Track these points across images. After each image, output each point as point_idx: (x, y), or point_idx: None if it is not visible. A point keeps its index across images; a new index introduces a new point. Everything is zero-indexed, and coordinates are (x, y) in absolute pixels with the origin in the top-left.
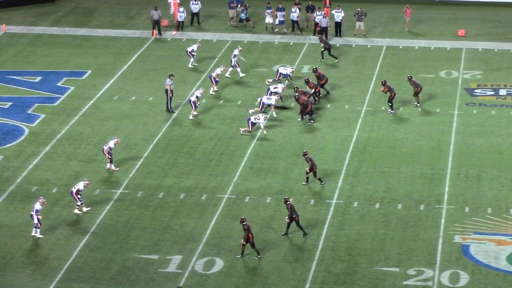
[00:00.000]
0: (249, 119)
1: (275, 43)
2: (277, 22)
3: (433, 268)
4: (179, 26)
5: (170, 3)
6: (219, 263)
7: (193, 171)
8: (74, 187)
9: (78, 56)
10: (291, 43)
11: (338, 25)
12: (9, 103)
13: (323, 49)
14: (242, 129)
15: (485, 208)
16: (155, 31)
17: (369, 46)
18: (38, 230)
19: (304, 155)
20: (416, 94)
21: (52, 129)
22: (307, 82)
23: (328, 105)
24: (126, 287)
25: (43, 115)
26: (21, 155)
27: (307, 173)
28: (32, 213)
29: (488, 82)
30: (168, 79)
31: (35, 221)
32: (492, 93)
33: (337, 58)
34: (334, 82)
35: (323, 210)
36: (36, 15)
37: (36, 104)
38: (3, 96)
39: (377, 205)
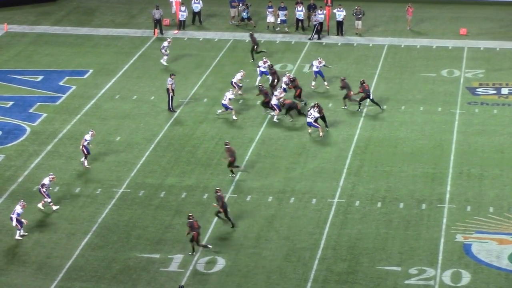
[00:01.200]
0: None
1: (277, 42)
2: (278, 21)
3: (435, 267)
4: (181, 25)
5: (171, 2)
6: (220, 262)
7: (194, 170)
8: (41, 184)
9: (80, 55)
10: (292, 42)
11: (339, 24)
12: (11, 102)
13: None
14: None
15: (487, 207)
16: (157, 30)
17: (370, 45)
18: (19, 231)
19: (225, 145)
20: (347, 96)
21: (54, 128)
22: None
23: (330, 104)
24: (127, 286)
25: (44, 114)
26: (23, 154)
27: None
28: (12, 215)
29: (490, 81)
30: (169, 78)
31: (14, 223)
32: (494, 92)
33: (264, 51)
34: (336, 81)
35: (324, 209)
36: (38, 14)
37: (38, 103)
38: (5, 95)
39: (379, 204)
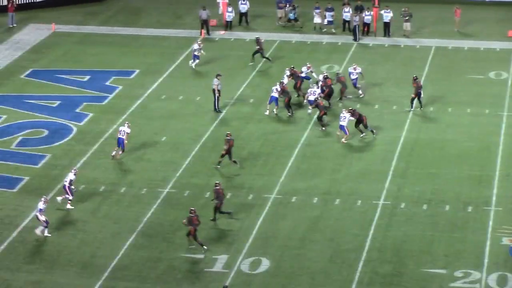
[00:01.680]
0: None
1: (323, 43)
2: (325, 22)
3: (481, 270)
4: (228, 25)
5: (218, 3)
6: (265, 263)
7: (240, 171)
8: (66, 180)
9: (126, 55)
10: (339, 43)
11: (386, 25)
12: (58, 102)
13: (256, 51)
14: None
15: None
16: (204, 31)
17: (417, 46)
18: (46, 229)
19: (226, 136)
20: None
21: (100, 128)
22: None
23: (376, 106)
24: (172, 286)
25: (91, 114)
26: (69, 153)
27: (222, 156)
28: (36, 213)
29: None
30: (216, 79)
31: (43, 218)
32: None
33: (269, 59)
34: (382, 82)
35: (370, 211)
36: (85, 14)
37: (84, 103)
38: (52, 95)
39: (425, 207)
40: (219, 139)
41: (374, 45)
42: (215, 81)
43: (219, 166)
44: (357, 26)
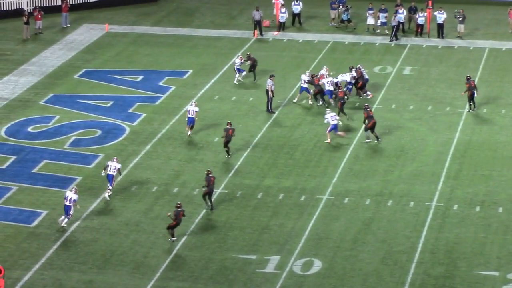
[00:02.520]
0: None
1: (377, 44)
2: (379, 23)
3: None
4: (281, 26)
5: (273, 3)
6: (317, 264)
7: (292, 172)
8: (113, 170)
9: (179, 56)
10: (392, 45)
11: (440, 26)
12: (111, 102)
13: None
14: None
15: None
16: (257, 32)
17: (471, 48)
18: (67, 219)
19: (227, 125)
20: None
21: (153, 128)
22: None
23: (429, 107)
24: (224, 286)
25: (144, 114)
26: (122, 153)
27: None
28: (70, 204)
29: None
30: (269, 80)
31: (72, 212)
32: None
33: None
34: (435, 84)
35: (422, 212)
36: (138, 14)
37: (137, 103)
38: (105, 95)
39: (477, 209)
40: (272, 139)
41: (428, 46)
42: (269, 82)
43: (229, 156)
44: (395, 26)
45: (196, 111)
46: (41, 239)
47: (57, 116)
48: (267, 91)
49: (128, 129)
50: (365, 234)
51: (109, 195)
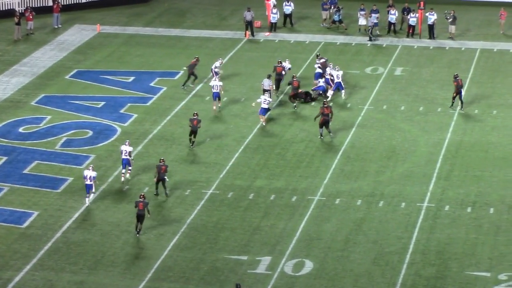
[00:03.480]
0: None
1: (368, 45)
2: (370, 24)
3: None
4: (272, 27)
5: (266, 4)
6: (308, 265)
7: (283, 173)
8: (126, 154)
9: (171, 56)
10: (384, 45)
11: (431, 27)
12: (102, 103)
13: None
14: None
15: None
16: (248, 32)
17: (463, 48)
18: (92, 196)
19: (193, 115)
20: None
21: (144, 129)
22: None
23: (421, 108)
24: (215, 287)
25: (135, 115)
26: (113, 154)
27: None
28: (91, 182)
29: None
30: (268, 80)
31: (93, 189)
32: None
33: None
34: (427, 85)
35: (414, 213)
36: (130, 15)
37: (129, 104)
38: (97, 96)
39: (469, 209)
40: (263, 140)
41: (419, 47)
42: (267, 81)
43: (192, 146)
44: (372, 27)
45: (220, 85)
46: (32, 240)
47: (49, 117)
48: (267, 91)
49: (119, 130)
50: (357, 235)
51: (129, 175)
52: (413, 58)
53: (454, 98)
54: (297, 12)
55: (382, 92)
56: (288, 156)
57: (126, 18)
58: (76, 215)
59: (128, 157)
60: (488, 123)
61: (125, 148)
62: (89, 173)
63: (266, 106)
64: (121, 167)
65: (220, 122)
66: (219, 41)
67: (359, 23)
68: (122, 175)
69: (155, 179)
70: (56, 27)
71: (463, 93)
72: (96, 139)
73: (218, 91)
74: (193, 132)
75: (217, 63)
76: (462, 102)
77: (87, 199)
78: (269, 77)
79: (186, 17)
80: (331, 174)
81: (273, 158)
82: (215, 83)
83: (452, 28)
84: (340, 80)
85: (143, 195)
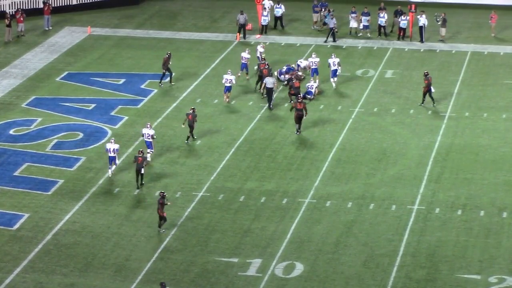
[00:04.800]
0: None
1: (359, 47)
2: (361, 26)
3: None
4: (263, 29)
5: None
6: (299, 267)
7: (274, 175)
8: (148, 137)
9: (162, 58)
10: (374, 48)
11: (421, 30)
12: (93, 105)
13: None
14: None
15: None
16: (239, 35)
17: (453, 51)
18: (114, 167)
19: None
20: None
21: (135, 131)
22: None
23: (411, 111)
24: None
25: (126, 117)
26: (104, 156)
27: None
28: (114, 155)
29: None
30: (271, 78)
31: (117, 161)
32: None
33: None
34: (417, 87)
35: (404, 215)
36: (120, 17)
37: (120, 106)
38: (87, 98)
39: (459, 212)
40: (254, 143)
41: (410, 49)
42: (272, 80)
43: (188, 142)
44: (333, 28)
45: (231, 80)
46: (23, 242)
47: (39, 119)
48: (270, 89)
49: (110, 132)
50: (347, 237)
51: (150, 156)
52: (403, 60)
53: (424, 95)
54: (288, 14)
55: (373, 95)
56: (279, 158)
57: (117, 20)
58: (67, 217)
59: (150, 139)
60: (479, 125)
61: (147, 131)
62: (112, 146)
63: (228, 84)
64: (146, 149)
65: (211, 124)
66: (210, 44)
67: (350, 26)
68: (148, 154)
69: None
70: (47, 29)
71: (433, 90)
72: (86, 141)
73: (230, 85)
74: (190, 127)
75: (261, 49)
76: (433, 99)
77: (110, 170)
78: (271, 75)
79: (177, 19)
80: (321, 177)
81: (264, 161)
82: (228, 76)
83: (443, 31)
84: (336, 67)
85: (142, 150)
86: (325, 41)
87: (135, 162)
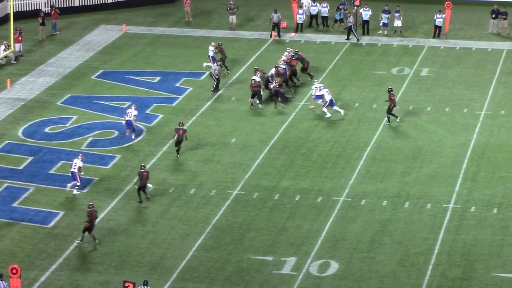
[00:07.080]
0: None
1: (394, 45)
2: (380, 24)
3: None
4: (298, 28)
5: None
6: (333, 266)
7: (309, 173)
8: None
9: (196, 57)
10: (410, 46)
11: (436, 28)
12: (128, 103)
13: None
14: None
15: None
16: (274, 33)
17: (489, 49)
18: (77, 187)
19: (179, 125)
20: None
21: (170, 129)
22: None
23: (447, 109)
24: None
25: (161, 115)
26: (139, 154)
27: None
28: (74, 171)
29: None
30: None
31: (78, 180)
32: None
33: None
34: (453, 85)
35: (439, 214)
36: (156, 15)
37: (155, 104)
38: (122, 96)
39: (495, 210)
40: (289, 141)
41: (445, 47)
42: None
43: (178, 155)
44: (352, 26)
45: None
46: (58, 240)
47: (74, 117)
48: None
49: (145, 130)
50: (382, 236)
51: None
52: (439, 58)
53: (390, 111)
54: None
55: (408, 93)
56: (313, 156)
57: (152, 18)
58: (102, 215)
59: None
60: None
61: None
62: (78, 162)
63: (320, 93)
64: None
65: (246, 122)
66: (244, 42)
67: (395, 25)
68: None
69: (136, 187)
70: (54, 33)
71: (396, 107)
72: (122, 139)
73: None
74: (178, 143)
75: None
76: (395, 116)
77: (69, 186)
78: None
79: (212, 18)
80: (356, 175)
81: (299, 159)
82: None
83: (505, 24)
84: (330, 96)
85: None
86: (347, 39)
87: (140, 179)
